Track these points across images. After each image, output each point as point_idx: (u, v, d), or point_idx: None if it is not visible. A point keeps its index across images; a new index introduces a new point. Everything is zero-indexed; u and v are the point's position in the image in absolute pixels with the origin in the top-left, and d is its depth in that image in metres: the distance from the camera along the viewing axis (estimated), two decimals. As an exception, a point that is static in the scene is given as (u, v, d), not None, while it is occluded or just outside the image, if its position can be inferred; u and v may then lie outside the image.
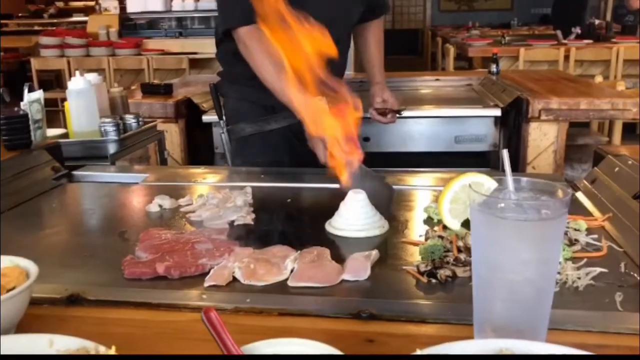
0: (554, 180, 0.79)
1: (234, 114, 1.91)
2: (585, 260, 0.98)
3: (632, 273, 0.95)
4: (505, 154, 0.65)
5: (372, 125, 2.03)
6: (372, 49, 2.02)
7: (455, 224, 0.84)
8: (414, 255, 1.04)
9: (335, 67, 1.84)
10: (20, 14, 11.46)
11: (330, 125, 1.38)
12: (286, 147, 1.83)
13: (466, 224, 0.91)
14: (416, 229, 1.19)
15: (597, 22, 6.46)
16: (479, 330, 0.66)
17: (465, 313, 0.75)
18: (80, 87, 1.94)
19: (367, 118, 2.26)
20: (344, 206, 1.17)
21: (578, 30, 5.92)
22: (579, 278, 0.92)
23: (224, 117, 1.97)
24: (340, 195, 1.43)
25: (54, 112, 2.11)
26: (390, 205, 1.29)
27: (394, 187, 1.51)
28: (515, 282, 0.61)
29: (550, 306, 0.64)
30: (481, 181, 0.68)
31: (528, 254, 0.61)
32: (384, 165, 2.17)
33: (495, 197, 0.64)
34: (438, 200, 0.85)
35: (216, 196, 1.35)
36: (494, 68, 3.38)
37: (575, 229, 1.11)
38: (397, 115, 2.00)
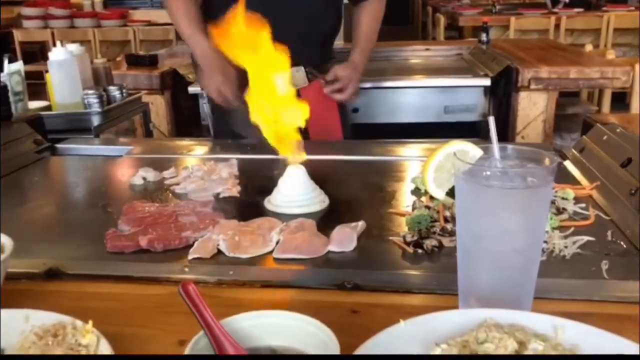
0: (542, 150, 0.78)
1: None
2: (572, 229, 0.98)
3: (618, 241, 0.95)
4: (491, 120, 0.63)
5: (362, 95, 2.00)
6: (360, 28, 1.89)
7: (439, 193, 0.83)
8: (401, 226, 1.03)
9: (320, 27, 1.81)
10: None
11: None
12: None
13: (451, 193, 0.90)
14: (404, 200, 1.17)
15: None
16: (464, 301, 0.65)
17: (451, 283, 0.74)
18: (62, 58, 1.89)
19: (364, 88, 2.22)
20: (282, 182, 1.15)
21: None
22: (566, 247, 0.91)
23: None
24: (327, 166, 1.42)
25: (40, 85, 2.05)
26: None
27: (384, 158, 1.50)
28: (501, 251, 0.60)
29: (535, 276, 0.63)
30: (466, 149, 0.67)
31: (514, 222, 0.59)
32: (373, 136, 2.16)
33: (480, 165, 0.62)
34: (422, 169, 0.83)
35: (201, 168, 1.33)
36: (484, 37, 3.34)
37: (563, 198, 1.10)
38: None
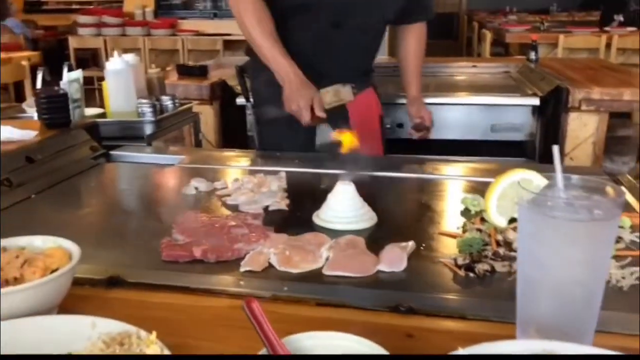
0: (592, 173, 0.77)
1: (260, 96, 1.91)
2: (629, 259, 0.95)
3: (678, 274, 0.92)
4: (555, 149, 0.63)
5: (405, 111, 2.00)
6: (409, 56, 1.97)
7: (502, 221, 0.82)
8: (451, 248, 1.02)
9: (364, 54, 1.84)
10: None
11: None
12: (311, 132, 1.82)
13: (512, 220, 0.89)
14: (452, 221, 1.17)
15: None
16: (522, 330, 0.65)
17: (506, 310, 0.73)
18: (118, 68, 1.96)
19: (399, 104, 2.24)
20: (331, 197, 1.15)
21: (621, 18, 5.73)
22: (623, 277, 0.89)
23: (250, 99, 1.97)
24: (374, 181, 1.42)
25: (90, 91, 2.13)
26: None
27: (431, 176, 1.50)
28: (563, 283, 0.60)
29: (598, 309, 0.62)
30: (530, 178, 0.66)
31: (578, 255, 0.59)
32: (417, 152, 2.15)
33: (544, 195, 0.62)
34: (485, 197, 0.83)
35: (251, 180, 1.35)
36: (532, 55, 3.30)
37: (619, 226, 1.07)
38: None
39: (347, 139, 1.42)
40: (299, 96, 1.55)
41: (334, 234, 1.07)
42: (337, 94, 1.59)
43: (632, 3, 6.08)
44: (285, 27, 1.66)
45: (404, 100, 2.06)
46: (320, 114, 1.52)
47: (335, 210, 1.14)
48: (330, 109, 1.57)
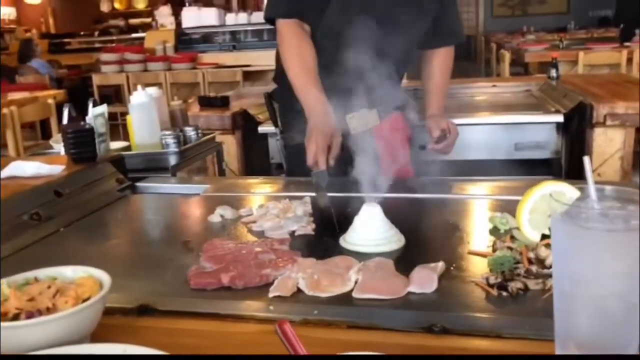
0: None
1: (288, 122, 1.92)
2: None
3: None
4: (587, 161, 0.62)
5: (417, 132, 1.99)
6: (433, 77, 1.92)
7: (535, 235, 0.81)
8: (481, 267, 1.00)
9: (390, 79, 1.84)
10: (82, 32, 11.94)
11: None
12: (339, 157, 1.82)
13: (544, 238, 0.87)
14: (481, 240, 1.15)
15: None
16: (562, 347, 0.63)
17: (542, 328, 0.72)
18: (142, 101, 1.99)
19: (420, 126, 2.22)
20: (358, 221, 1.14)
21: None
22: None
23: (279, 124, 1.98)
24: (401, 204, 1.41)
25: (114, 126, 2.17)
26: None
27: (457, 196, 1.48)
28: (602, 296, 0.58)
29: (638, 321, 0.60)
30: (562, 190, 0.65)
31: (616, 266, 0.57)
32: (442, 173, 2.13)
33: (578, 206, 0.61)
34: (517, 211, 0.81)
35: (276, 206, 1.35)
36: (553, 73, 3.28)
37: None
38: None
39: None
40: (311, 137, 1.51)
41: (361, 257, 1.06)
42: (363, 118, 1.59)
43: None
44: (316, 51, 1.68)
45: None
46: (321, 166, 1.46)
47: (362, 233, 1.13)
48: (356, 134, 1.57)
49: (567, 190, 0.64)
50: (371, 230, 1.12)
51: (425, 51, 1.93)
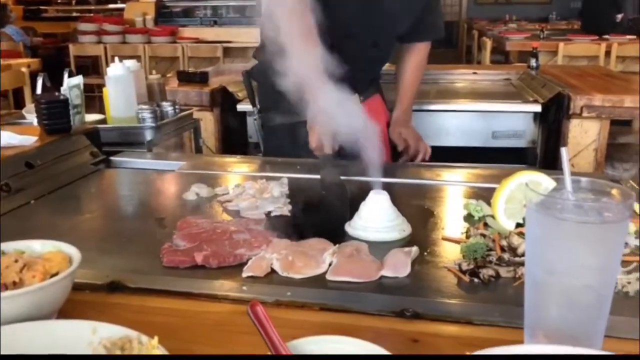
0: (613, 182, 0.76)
1: (266, 102, 1.90)
2: (634, 264, 0.94)
3: (684, 279, 0.91)
4: (564, 152, 0.62)
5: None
6: (406, 74, 1.94)
7: (510, 224, 0.81)
8: (454, 253, 1.01)
9: (373, 65, 1.83)
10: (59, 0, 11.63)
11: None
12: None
13: (518, 226, 0.88)
14: (455, 226, 1.16)
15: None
16: (530, 335, 0.64)
17: (512, 315, 0.73)
18: (119, 74, 1.95)
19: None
20: (364, 207, 1.13)
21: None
22: (629, 283, 0.88)
23: (257, 104, 1.96)
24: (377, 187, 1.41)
25: (90, 98, 2.12)
26: (343, 208, 1.21)
27: (433, 182, 1.49)
28: (573, 287, 0.59)
29: (607, 313, 0.61)
30: (538, 180, 0.65)
31: (588, 258, 0.58)
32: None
33: (553, 197, 0.61)
34: (492, 199, 0.82)
35: (253, 186, 1.34)
36: (533, 63, 3.30)
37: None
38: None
39: None
40: (324, 122, 1.44)
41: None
42: (344, 102, 1.57)
43: (628, 10, 6.09)
44: None
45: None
46: (327, 150, 1.43)
47: (365, 220, 1.11)
48: None
49: (543, 181, 0.64)
50: (374, 218, 1.10)
51: (403, 45, 1.93)
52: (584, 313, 0.60)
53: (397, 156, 1.94)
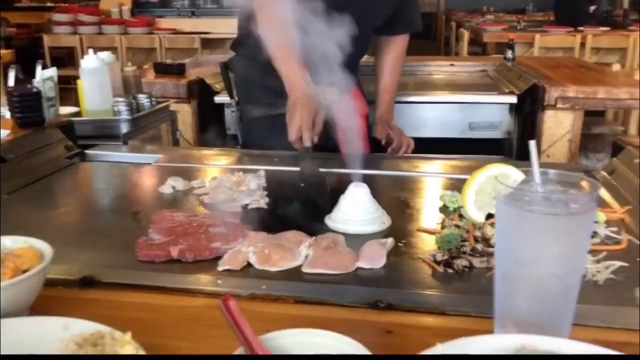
0: (569, 170, 0.77)
1: (245, 94, 1.90)
2: (604, 253, 0.96)
3: (652, 268, 0.93)
4: (532, 145, 0.63)
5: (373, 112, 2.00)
6: (385, 72, 1.94)
7: (479, 216, 0.82)
8: (429, 244, 1.02)
9: (351, 57, 1.82)
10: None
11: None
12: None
13: (489, 216, 0.89)
14: (431, 217, 1.17)
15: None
16: (500, 325, 0.65)
17: (484, 305, 0.74)
18: (94, 66, 1.93)
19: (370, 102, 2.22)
20: (343, 200, 1.13)
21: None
22: (599, 272, 0.90)
23: (235, 97, 1.95)
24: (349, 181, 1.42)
25: (66, 90, 2.10)
26: (323, 200, 1.23)
27: (409, 173, 1.50)
28: (541, 277, 0.60)
29: (575, 302, 0.62)
30: (507, 173, 0.66)
31: (555, 248, 0.59)
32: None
33: (521, 189, 0.62)
34: (462, 192, 0.83)
35: (230, 179, 1.34)
36: (509, 54, 3.33)
37: (594, 221, 1.09)
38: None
39: None
40: (295, 113, 1.47)
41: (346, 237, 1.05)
42: (322, 95, 1.58)
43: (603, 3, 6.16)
44: None
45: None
46: (306, 142, 1.43)
47: (345, 213, 1.11)
48: None
49: (512, 173, 0.65)
50: (354, 211, 1.10)
51: (382, 38, 1.93)
52: (551, 302, 0.61)
53: (378, 150, 1.95)
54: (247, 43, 1.78)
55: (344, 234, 1.06)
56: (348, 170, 1.30)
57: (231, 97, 1.97)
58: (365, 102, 1.97)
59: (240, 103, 1.92)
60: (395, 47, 1.94)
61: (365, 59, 2.04)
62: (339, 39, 1.36)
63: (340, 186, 1.18)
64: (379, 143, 1.89)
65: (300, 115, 1.45)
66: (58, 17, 6.75)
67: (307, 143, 1.43)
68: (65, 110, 1.93)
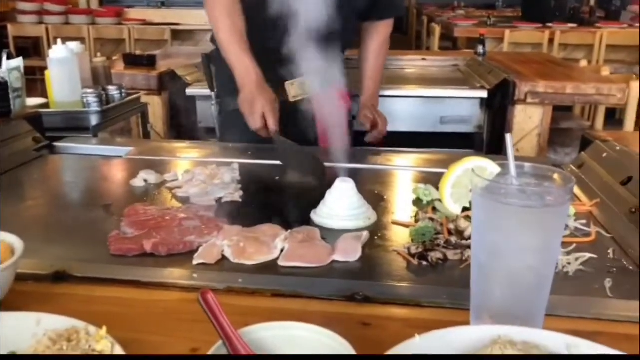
0: (538, 164, 0.79)
1: (224, 87, 1.88)
2: (574, 245, 0.99)
3: (620, 259, 0.95)
4: (508, 138, 0.64)
5: (357, 103, 2.00)
6: (370, 58, 1.92)
7: (456, 209, 0.83)
8: (404, 237, 1.03)
9: (331, 48, 1.81)
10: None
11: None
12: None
13: (465, 210, 0.91)
14: (405, 210, 1.18)
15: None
16: (476, 316, 0.66)
17: (460, 297, 0.75)
18: (63, 56, 1.88)
19: (354, 96, 2.22)
20: (329, 195, 1.13)
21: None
22: (569, 263, 0.92)
23: (215, 89, 1.93)
24: (328, 173, 1.42)
25: (32, 81, 2.05)
26: (321, 178, 1.26)
27: (383, 167, 1.51)
28: (516, 269, 0.61)
29: (548, 293, 0.64)
30: (484, 165, 0.67)
31: (530, 241, 0.60)
32: (369, 144, 2.16)
33: (497, 182, 0.63)
34: (440, 184, 0.84)
35: (203, 172, 1.33)
36: (480, 49, 3.36)
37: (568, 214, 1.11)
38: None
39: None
40: (254, 101, 1.49)
41: (330, 232, 1.05)
42: (303, 86, 1.57)
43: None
44: (253, 21, 1.63)
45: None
46: (272, 127, 1.47)
47: (330, 208, 1.10)
48: (295, 102, 1.56)
49: (488, 166, 0.66)
50: (339, 206, 1.10)
51: (365, 25, 1.92)
52: (526, 293, 0.62)
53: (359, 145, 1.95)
54: None
55: (329, 229, 1.06)
56: (330, 164, 1.30)
57: (212, 89, 1.95)
58: (349, 96, 1.96)
59: (220, 96, 1.90)
60: (379, 33, 1.92)
61: (349, 53, 2.04)
62: (318, 26, 1.35)
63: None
64: (360, 136, 1.89)
65: (261, 103, 1.47)
66: (23, 5, 6.58)
67: (274, 127, 1.45)
68: (33, 101, 1.88)
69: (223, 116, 1.89)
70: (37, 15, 6.43)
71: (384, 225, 1.09)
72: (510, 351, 0.56)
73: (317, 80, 1.52)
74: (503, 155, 0.64)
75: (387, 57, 3.34)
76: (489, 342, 0.58)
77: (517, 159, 0.65)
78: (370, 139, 1.85)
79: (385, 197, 1.25)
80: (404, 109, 2.72)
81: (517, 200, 0.60)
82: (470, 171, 0.62)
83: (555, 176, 0.63)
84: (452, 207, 0.82)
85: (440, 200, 1.08)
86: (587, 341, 0.58)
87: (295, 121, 1.55)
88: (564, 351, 0.58)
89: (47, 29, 6.22)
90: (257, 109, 1.48)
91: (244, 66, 1.56)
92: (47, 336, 0.57)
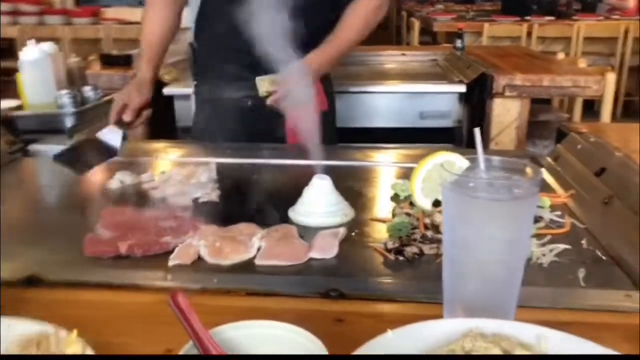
0: (516, 156, 0.80)
1: (199, 76, 1.88)
2: (549, 237, 1.00)
3: (593, 250, 0.97)
4: (477, 132, 0.64)
5: (337, 99, 1.99)
6: (337, 29, 1.71)
7: (427, 203, 0.84)
8: (381, 232, 1.03)
9: (303, 43, 1.78)
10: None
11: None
12: (237, 119, 1.77)
13: (437, 203, 0.91)
14: (383, 206, 1.18)
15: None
16: (449, 310, 0.66)
17: (434, 291, 0.75)
18: (35, 57, 1.86)
19: (339, 92, 2.19)
20: (306, 193, 1.13)
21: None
22: (544, 255, 0.93)
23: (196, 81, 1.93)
24: (307, 171, 1.42)
25: (5, 82, 2.02)
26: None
27: (361, 163, 1.51)
28: (486, 261, 0.61)
29: (519, 285, 0.64)
30: (453, 160, 0.68)
31: (499, 233, 0.60)
32: (349, 140, 2.16)
33: (466, 176, 0.63)
34: (410, 179, 0.84)
35: (180, 172, 1.32)
36: (459, 43, 3.37)
37: (539, 206, 1.12)
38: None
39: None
40: (133, 95, 1.57)
41: (308, 229, 1.05)
42: (274, 82, 1.56)
43: None
44: (222, 11, 1.62)
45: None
46: (126, 118, 1.52)
47: (308, 205, 1.10)
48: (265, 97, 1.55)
49: (457, 160, 0.67)
50: (317, 203, 1.10)
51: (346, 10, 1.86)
52: (497, 286, 0.63)
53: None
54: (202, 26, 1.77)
55: (307, 226, 1.06)
56: (307, 161, 1.29)
57: (194, 79, 1.95)
58: (325, 91, 1.91)
59: (197, 85, 1.90)
60: (356, 7, 1.74)
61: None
62: (287, 19, 1.32)
63: (304, 178, 1.17)
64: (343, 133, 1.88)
65: (131, 97, 1.56)
66: (-4, 6, 6.47)
67: (127, 119, 1.51)
68: (5, 103, 1.85)
69: (196, 106, 1.89)
70: (11, 16, 6.33)
71: (362, 222, 1.10)
72: (481, 343, 0.57)
73: (288, 76, 1.49)
74: (485, 149, 0.64)
75: (367, 53, 3.38)
76: (461, 335, 0.59)
77: (495, 152, 0.66)
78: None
79: (363, 194, 1.26)
80: (383, 104, 2.72)
81: (486, 193, 0.61)
82: (440, 166, 0.62)
83: (524, 169, 0.63)
84: (423, 201, 0.82)
85: (415, 196, 1.09)
86: (557, 331, 0.59)
87: (264, 117, 1.54)
88: (534, 341, 0.58)
89: (21, 30, 6.13)
90: (124, 98, 1.56)
91: (141, 70, 1.69)
92: (15, 342, 0.57)
